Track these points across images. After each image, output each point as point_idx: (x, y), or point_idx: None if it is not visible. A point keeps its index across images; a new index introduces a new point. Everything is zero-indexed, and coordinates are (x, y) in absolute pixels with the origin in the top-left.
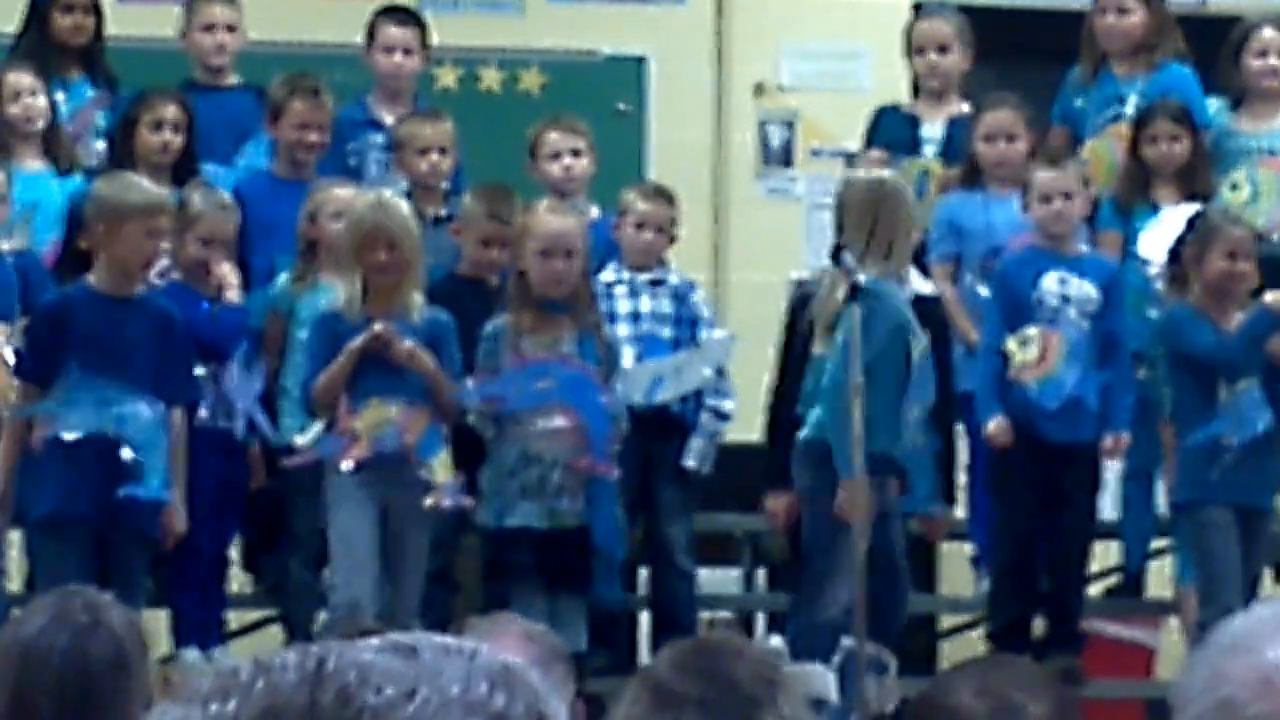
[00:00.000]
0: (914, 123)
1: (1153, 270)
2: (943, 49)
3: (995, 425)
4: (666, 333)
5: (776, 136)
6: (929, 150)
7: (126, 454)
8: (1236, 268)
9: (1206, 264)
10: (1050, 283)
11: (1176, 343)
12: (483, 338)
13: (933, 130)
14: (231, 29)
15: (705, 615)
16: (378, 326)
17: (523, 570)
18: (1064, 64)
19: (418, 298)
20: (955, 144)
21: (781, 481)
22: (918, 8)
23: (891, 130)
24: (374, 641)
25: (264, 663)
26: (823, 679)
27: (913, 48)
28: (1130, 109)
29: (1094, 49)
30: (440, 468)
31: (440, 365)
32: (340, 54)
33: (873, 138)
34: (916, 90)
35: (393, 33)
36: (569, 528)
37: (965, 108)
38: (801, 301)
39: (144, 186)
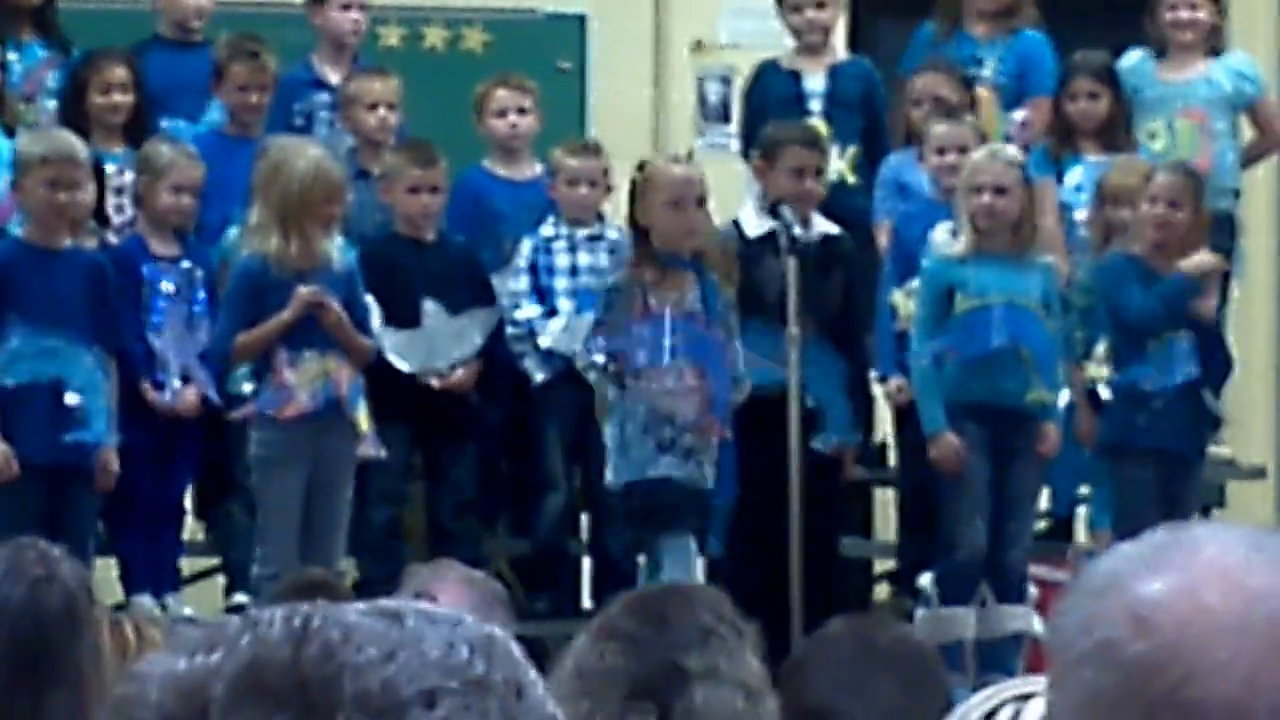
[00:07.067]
0: (796, 78)
1: (1078, 216)
2: (819, 4)
3: (894, 385)
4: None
5: (715, 93)
6: (815, 104)
7: (71, 399)
8: (1175, 216)
9: (1143, 212)
10: (940, 234)
11: (1108, 295)
12: (605, 291)
13: (815, 83)
14: None
15: None
16: (305, 291)
17: (672, 518)
18: None
19: (335, 247)
20: (839, 93)
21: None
22: None
23: (775, 87)
24: (361, 605)
25: (252, 618)
26: (963, 621)
27: (787, 4)
28: (988, 72)
29: (952, 8)
30: (362, 419)
31: (354, 308)
32: (287, 14)
33: (753, 93)
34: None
35: None
36: (700, 490)
37: (842, 55)
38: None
39: (51, 137)
